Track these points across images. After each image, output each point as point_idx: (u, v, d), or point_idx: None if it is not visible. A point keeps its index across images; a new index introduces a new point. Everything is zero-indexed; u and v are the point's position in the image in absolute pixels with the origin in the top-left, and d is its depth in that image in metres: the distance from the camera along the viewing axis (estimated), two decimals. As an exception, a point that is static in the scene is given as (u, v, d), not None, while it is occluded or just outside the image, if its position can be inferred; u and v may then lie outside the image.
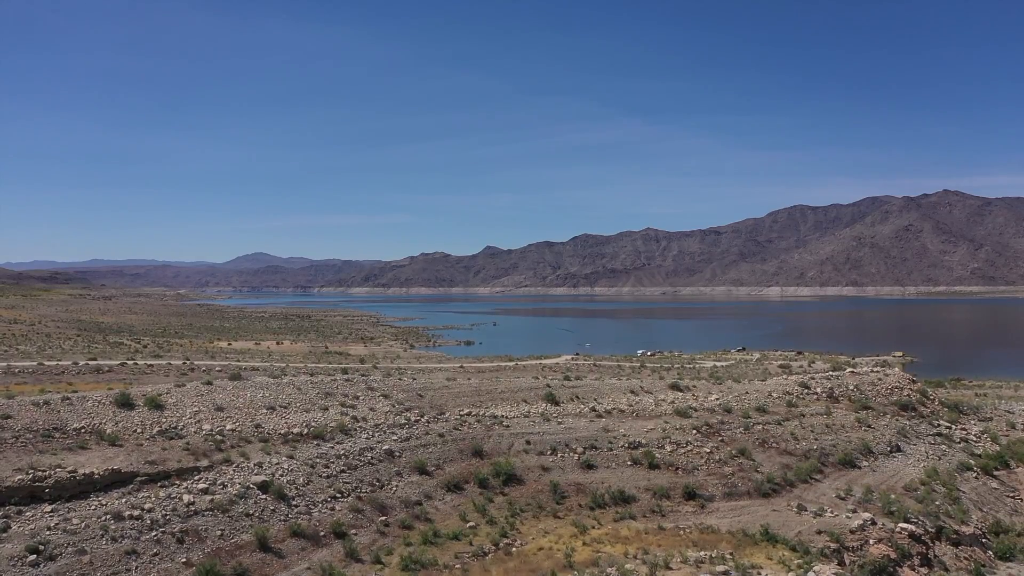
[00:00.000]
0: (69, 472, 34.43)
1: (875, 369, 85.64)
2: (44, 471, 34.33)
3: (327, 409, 50.11)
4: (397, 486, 44.31)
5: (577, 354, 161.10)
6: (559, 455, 51.97)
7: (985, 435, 73.85)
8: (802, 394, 72.68)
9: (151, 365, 72.34)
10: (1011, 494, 64.44)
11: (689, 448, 54.83)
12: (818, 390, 74.60)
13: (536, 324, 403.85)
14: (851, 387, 75.98)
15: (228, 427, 44.58)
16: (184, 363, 76.55)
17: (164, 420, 43.41)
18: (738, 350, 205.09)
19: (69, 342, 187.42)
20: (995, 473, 65.79)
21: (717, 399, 66.77)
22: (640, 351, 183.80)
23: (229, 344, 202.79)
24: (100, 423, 41.52)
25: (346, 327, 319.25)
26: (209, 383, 50.84)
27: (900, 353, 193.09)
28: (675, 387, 69.34)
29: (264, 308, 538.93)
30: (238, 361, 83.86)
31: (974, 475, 63.68)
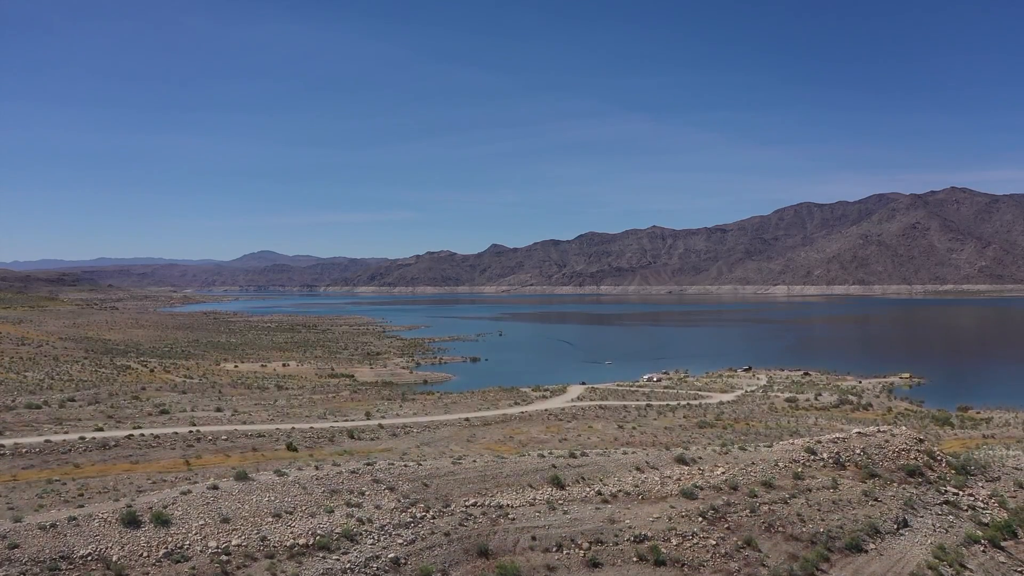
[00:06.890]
0: (76, 625, 34.55)
1: (882, 430, 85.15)
2: (51, 623, 34.43)
3: (332, 512, 50.10)
4: (403, 600, 44.28)
5: (584, 383, 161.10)
6: (564, 552, 51.84)
7: (993, 499, 73.38)
8: (808, 461, 72.37)
9: (157, 437, 72.70)
10: (1019, 568, 64.04)
11: (695, 541, 54.65)
12: (824, 455, 74.22)
13: (541, 333, 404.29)
14: (858, 451, 75.65)
15: (234, 542, 44.55)
16: (190, 431, 76.99)
17: (170, 539, 43.41)
18: (744, 369, 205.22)
19: (76, 366, 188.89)
20: (1003, 544, 65.29)
21: (723, 473, 66.53)
22: (646, 376, 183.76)
23: (236, 367, 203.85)
24: (107, 548, 41.60)
25: (352, 340, 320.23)
26: (215, 487, 50.91)
27: (907, 375, 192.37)
28: (681, 460, 69.16)
29: (270, 316, 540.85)
30: (243, 424, 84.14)
31: (981, 549, 63.18)
